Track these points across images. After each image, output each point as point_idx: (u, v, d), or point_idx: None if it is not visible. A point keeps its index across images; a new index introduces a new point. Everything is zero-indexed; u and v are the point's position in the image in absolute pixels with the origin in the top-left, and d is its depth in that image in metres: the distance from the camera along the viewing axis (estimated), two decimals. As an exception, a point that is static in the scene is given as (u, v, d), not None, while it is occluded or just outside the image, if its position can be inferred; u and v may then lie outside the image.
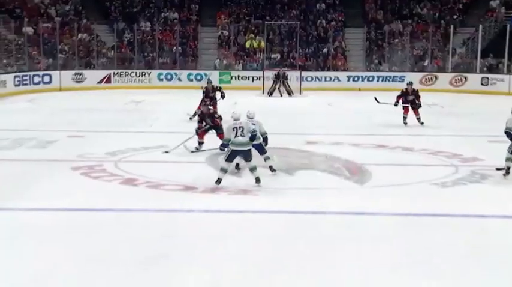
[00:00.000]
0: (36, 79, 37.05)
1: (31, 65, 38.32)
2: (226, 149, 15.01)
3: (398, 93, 23.20)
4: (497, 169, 15.01)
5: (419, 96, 23.26)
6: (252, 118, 16.28)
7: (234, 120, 14.14)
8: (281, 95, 35.52)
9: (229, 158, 13.97)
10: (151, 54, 42.26)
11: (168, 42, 43.19)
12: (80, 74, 38.81)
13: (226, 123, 16.15)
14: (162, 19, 44.96)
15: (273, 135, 19.25)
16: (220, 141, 17.12)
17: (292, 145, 20.58)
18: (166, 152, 17.62)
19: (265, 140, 15.41)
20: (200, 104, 22.86)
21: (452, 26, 40.36)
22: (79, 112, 28.24)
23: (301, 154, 19.65)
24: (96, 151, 17.70)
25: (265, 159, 15.30)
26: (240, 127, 13.81)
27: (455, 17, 43.15)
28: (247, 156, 13.88)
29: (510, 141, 14.65)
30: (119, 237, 11.14)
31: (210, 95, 24.66)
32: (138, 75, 39.68)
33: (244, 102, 30.43)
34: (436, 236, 11.43)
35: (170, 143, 18.88)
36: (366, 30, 42.99)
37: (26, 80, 36.43)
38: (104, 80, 39.33)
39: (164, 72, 39.90)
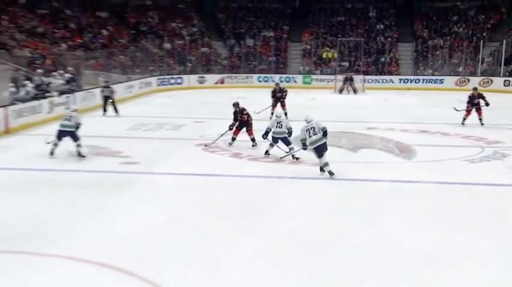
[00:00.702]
0: (172, 81, 41.66)
1: (168, 71, 42.91)
2: (302, 147, 15.09)
3: (467, 99, 22.79)
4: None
5: (484, 97, 22.78)
6: (279, 117, 17.75)
7: (307, 122, 14.80)
8: (348, 93, 38.27)
9: (318, 155, 14.45)
10: (253, 63, 45.82)
11: (266, 53, 45.97)
12: (202, 77, 43.09)
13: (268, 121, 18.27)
14: (261, 37, 47.33)
15: (341, 123, 24.34)
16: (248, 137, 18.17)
17: (356, 130, 23.04)
18: (206, 145, 18.11)
19: (290, 133, 16.26)
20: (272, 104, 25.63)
21: (482, 41, 41.46)
22: (201, 105, 32.59)
23: (362, 136, 21.87)
24: (212, 133, 19.65)
25: (290, 149, 16.25)
26: (312, 127, 14.55)
27: (484, 34, 43.65)
28: (323, 148, 14.34)
29: None
30: (228, 195, 13.42)
31: (277, 95, 25.65)
32: (243, 78, 43.15)
33: (320, 97, 35.68)
34: (464, 200, 13.39)
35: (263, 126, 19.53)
36: (414, 45, 45.15)
37: (165, 81, 41.25)
38: (219, 82, 43.26)
39: (262, 75, 42.96)
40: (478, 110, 22.64)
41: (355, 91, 37.70)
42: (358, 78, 38.99)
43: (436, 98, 35.14)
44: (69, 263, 9.68)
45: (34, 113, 23.28)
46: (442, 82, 39.98)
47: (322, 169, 14.48)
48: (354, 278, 8.85)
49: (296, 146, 16.41)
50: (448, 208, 12.82)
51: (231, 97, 29.11)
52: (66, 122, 16.93)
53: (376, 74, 41.49)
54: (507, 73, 40.25)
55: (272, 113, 23.64)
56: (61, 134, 16.85)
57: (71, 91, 27.14)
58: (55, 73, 27.94)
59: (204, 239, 10.91)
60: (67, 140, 16.88)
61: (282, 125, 16.35)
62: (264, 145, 17.78)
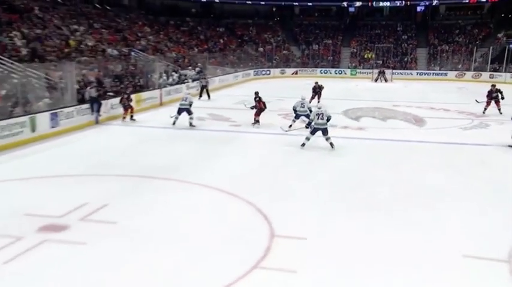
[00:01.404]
0: (263, 72, 44.00)
1: (261, 66, 45.30)
2: (309, 126, 15.33)
3: (486, 93, 21.71)
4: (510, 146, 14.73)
5: (501, 91, 21.54)
6: (304, 99, 17.95)
7: (318, 108, 14.78)
8: (381, 82, 40.56)
9: (313, 132, 14.82)
10: (317, 61, 47.36)
11: (325, 55, 48.16)
12: (283, 70, 45.38)
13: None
14: (323, 43, 49.41)
15: (375, 101, 27.09)
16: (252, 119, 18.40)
17: (385, 106, 24.89)
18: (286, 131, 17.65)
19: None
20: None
21: (475, 47, 43.63)
22: (281, 88, 33.41)
23: (390, 111, 23.45)
24: (288, 106, 20.07)
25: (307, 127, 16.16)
26: (321, 113, 14.52)
27: (477, 42, 45.57)
28: (324, 132, 14.56)
29: None
30: (297, 148, 14.87)
31: (316, 90, 25.23)
32: (310, 70, 45.04)
33: (362, 84, 37.79)
34: (459, 154, 14.60)
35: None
36: (427, 49, 47.28)
37: (258, 73, 43.59)
38: (294, 73, 45.34)
39: (323, 69, 45.28)
40: (497, 102, 21.53)
41: (386, 80, 40.32)
42: (388, 72, 41.41)
43: (441, 86, 37.22)
44: (201, 187, 11.08)
45: (177, 92, 25.92)
46: (446, 75, 42.72)
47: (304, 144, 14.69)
48: (383, 209, 9.76)
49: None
50: (449, 160, 13.94)
51: (303, 83, 31.59)
52: (183, 102, 18.24)
53: (401, 69, 44.04)
54: (492, 69, 42.00)
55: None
56: (180, 111, 18.20)
57: (199, 79, 29.50)
58: (189, 67, 31.58)
59: (286, 174, 12.21)
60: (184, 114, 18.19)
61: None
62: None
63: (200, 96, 27.15)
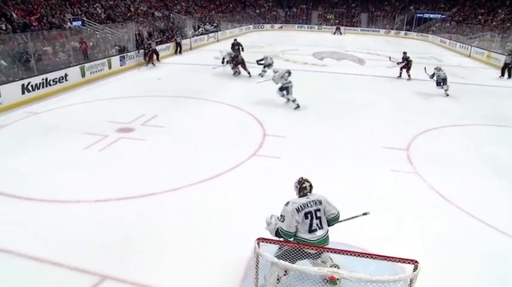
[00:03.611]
0: (259, 27, 39.67)
1: (258, 22, 40.65)
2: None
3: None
4: None
5: (411, 61, 15.34)
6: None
7: (283, 72, 10.80)
8: (337, 35, 38.19)
9: (281, 90, 10.72)
10: (295, 19, 43.47)
11: (301, 15, 44.64)
12: (273, 25, 41.04)
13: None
14: (300, 7, 45.59)
15: (333, 47, 26.46)
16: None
17: (339, 51, 25.24)
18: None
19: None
20: None
21: (397, 15, 41.12)
22: (272, 37, 31.49)
23: (342, 54, 23.26)
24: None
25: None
26: (285, 74, 10.63)
27: (398, 11, 42.53)
28: (291, 89, 10.76)
29: None
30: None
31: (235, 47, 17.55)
32: (290, 26, 40.98)
33: (325, 36, 35.77)
34: (387, 83, 14.46)
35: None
36: (367, 14, 43.61)
37: (256, 26, 38.87)
38: (280, 27, 40.95)
39: (299, 25, 41.41)
40: (406, 68, 15.52)
41: (340, 34, 38.47)
42: (342, 28, 39.72)
43: (375, 39, 35.53)
44: (218, 103, 11.14)
45: (201, 41, 25.32)
46: (379, 32, 40.03)
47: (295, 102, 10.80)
48: (336, 117, 10.50)
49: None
50: (378, 87, 13.93)
51: (285, 34, 31.85)
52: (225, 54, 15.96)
53: (350, 26, 41.73)
54: (406, 29, 39.84)
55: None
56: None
57: (215, 31, 29.05)
58: (209, 23, 29.99)
59: (274, 95, 11.73)
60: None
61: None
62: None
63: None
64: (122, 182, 6.33)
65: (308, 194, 3.80)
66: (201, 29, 27.41)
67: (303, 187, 3.82)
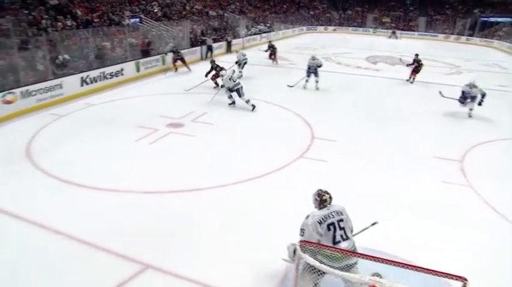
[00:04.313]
0: (312, 28, 39.22)
1: (311, 24, 40.16)
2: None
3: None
4: None
5: (422, 64, 14.87)
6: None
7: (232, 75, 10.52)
8: (393, 39, 36.56)
9: (231, 91, 10.34)
10: (349, 22, 42.85)
11: (356, 18, 43.25)
12: (326, 27, 40.22)
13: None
14: (355, 9, 44.56)
15: (388, 52, 25.35)
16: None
17: (394, 56, 24.45)
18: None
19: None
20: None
21: (458, 18, 39.24)
22: (325, 40, 31.13)
23: (396, 59, 22.32)
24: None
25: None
26: (231, 78, 10.33)
27: (459, 15, 40.55)
28: (242, 90, 10.25)
29: None
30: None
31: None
32: (344, 28, 40.36)
33: (381, 39, 35.03)
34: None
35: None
36: (426, 18, 41.92)
37: (309, 28, 38.56)
38: (334, 30, 40.15)
39: (353, 28, 40.51)
40: (413, 71, 15.03)
41: (396, 38, 36.84)
42: (398, 32, 37.79)
43: (433, 44, 34.16)
44: (265, 103, 11.21)
45: (254, 40, 25.39)
46: (437, 36, 38.29)
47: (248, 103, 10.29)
48: (386, 123, 10.26)
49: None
50: (434, 93, 11.84)
51: (339, 37, 31.56)
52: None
53: (407, 30, 39.74)
54: (467, 34, 37.59)
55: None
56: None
57: (268, 32, 29.05)
58: (262, 24, 30.20)
59: (323, 97, 12.04)
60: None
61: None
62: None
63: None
64: (170, 176, 6.53)
65: (328, 205, 3.70)
66: (252, 29, 27.59)
67: (323, 200, 3.71)
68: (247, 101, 10.35)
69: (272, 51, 18.13)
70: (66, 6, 15.97)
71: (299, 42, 27.81)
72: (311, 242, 3.34)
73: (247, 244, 4.79)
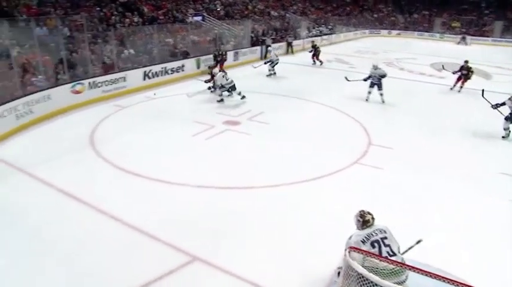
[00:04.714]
0: (375, 32, 37.97)
1: (374, 27, 39.13)
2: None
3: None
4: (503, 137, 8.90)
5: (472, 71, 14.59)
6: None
7: (225, 75, 10.85)
8: (462, 45, 34.67)
9: (222, 89, 10.72)
10: (415, 26, 41.28)
11: (422, 22, 41.70)
12: (390, 31, 39.08)
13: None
14: (422, 13, 43.34)
15: (455, 59, 24.86)
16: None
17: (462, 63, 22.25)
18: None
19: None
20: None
21: None
22: (388, 44, 30.05)
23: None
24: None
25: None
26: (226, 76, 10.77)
27: None
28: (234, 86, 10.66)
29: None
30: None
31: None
32: (409, 33, 38.78)
33: (448, 46, 33.24)
34: None
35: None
36: (503, 22, 39.16)
37: (371, 31, 37.70)
38: (398, 34, 38.87)
39: (419, 32, 39.07)
40: (463, 80, 14.10)
41: (466, 44, 34.88)
42: (468, 38, 35.84)
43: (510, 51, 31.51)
44: (320, 105, 10.96)
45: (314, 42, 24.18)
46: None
47: (240, 95, 10.93)
48: (447, 134, 9.81)
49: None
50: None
51: (403, 41, 30.68)
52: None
53: (479, 36, 37.36)
54: None
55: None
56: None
57: (330, 34, 28.63)
58: (323, 25, 30.22)
59: (383, 104, 11.46)
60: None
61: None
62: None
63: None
64: (223, 172, 6.66)
65: (371, 226, 3.65)
66: (313, 31, 27.37)
67: (366, 220, 3.65)
68: (239, 93, 10.99)
69: (315, 52, 17.88)
70: (134, 4, 16.73)
71: (360, 46, 27.26)
72: (360, 249, 3.24)
73: (296, 246, 4.75)
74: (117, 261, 4.42)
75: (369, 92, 11.55)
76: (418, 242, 3.87)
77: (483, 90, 9.63)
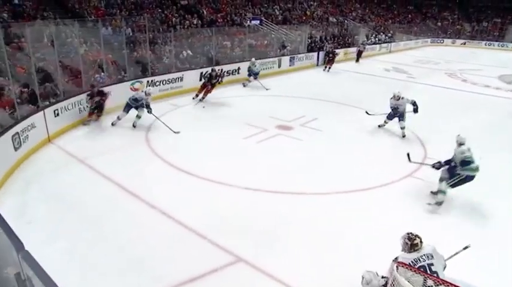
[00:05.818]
0: (438, 41, 36.63)
1: (437, 36, 37.55)
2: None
3: None
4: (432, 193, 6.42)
5: None
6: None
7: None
8: None
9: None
10: (483, 35, 38.79)
11: (492, 30, 39.28)
12: (454, 40, 36.86)
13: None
14: (493, 21, 40.70)
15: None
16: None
17: None
18: None
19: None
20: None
21: None
22: (451, 54, 28.39)
23: None
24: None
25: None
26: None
27: None
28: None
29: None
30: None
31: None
32: (476, 43, 36.48)
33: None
34: None
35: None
36: None
37: (434, 40, 36.25)
38: (463, 43, 36.41)
39: (487, 42, 36.63)
40: None
41: None
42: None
43: None
44: (378, 116, 9.93)
45: (372, 50, 24.37)
46: None
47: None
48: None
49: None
50: None
51: (467, 51, 29.41)
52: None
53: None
54: None
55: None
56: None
57: (389, 42, 27.48)
58: (383, 33, 28.84)
59: (440, 116, 11.25)
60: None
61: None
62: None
63: (357, 61, 21.34)
64: (273, 176, 6.70)
65: (419, 249, 3.54)
66: (372, 38, 26.87)
67: (414, 244, 3.54)
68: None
69: (330, 57, 17.44)
70: (194, 6, 17.28)
71: (421, 55, 26.26)
72: (409, 266, 3.14)
73: (341, 256, 4.70)
74: (165, 254, 4.60)
75: (385, 122, 9.68)
76: (465, 248, 3.79)
77: (408, 154, 6.94)
